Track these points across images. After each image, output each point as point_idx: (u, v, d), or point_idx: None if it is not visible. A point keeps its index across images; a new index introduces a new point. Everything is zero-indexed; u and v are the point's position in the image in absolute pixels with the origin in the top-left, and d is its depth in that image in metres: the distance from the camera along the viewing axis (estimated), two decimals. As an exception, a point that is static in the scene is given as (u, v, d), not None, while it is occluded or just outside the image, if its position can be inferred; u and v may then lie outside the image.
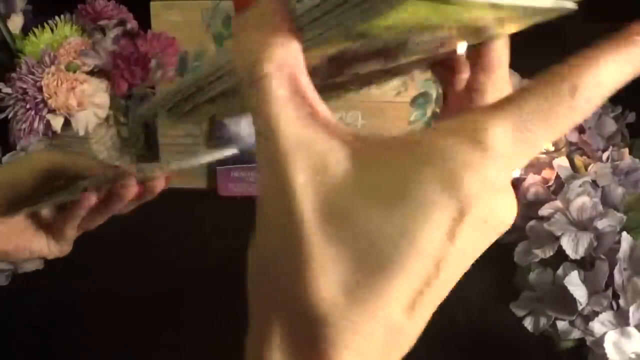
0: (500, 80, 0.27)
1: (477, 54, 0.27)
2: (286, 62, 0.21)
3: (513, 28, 0.26)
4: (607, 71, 0.21)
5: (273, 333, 0.22)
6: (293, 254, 0.21)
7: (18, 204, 0.47)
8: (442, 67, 0.28)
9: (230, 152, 0.46)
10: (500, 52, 0.27)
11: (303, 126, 0.21)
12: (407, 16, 0.20)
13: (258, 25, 0.21)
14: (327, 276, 0.21)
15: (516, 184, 0.70)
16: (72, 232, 0.51)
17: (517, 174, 0.74)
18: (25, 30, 0.80)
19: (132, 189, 0.48)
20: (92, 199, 0.48)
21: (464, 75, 0.28)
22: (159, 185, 0.49)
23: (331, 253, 0.21)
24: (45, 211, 0.51)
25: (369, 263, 0.21)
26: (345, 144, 0.21)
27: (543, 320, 0.59)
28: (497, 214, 0.22)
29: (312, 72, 0.22)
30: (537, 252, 0.61)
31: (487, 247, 0.23)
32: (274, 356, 0.22)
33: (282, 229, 0.21)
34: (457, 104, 0.27)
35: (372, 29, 0.21)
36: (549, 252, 0.60)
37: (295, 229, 0.21)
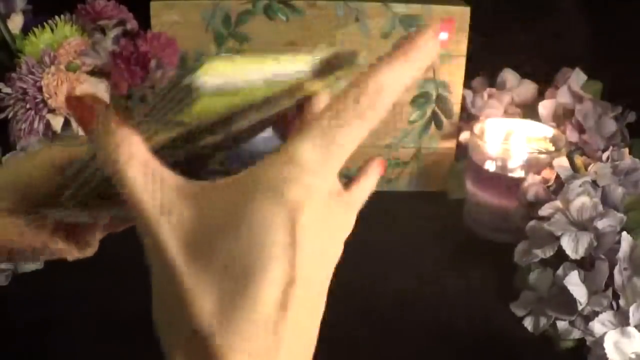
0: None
1: (302, 109, 0.33)
2: (133, 154, 0.27)
3: (318, 86, 0.32)
4: (385, 78, 0.26)
5: (178, 356, 0.26)
6: (173, 288, 0.26)
7: (31, 206, 0.44)
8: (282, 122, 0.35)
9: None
10: (320, 106, 0.33)
11: (158, 195, 0.27)
12: (211, 105, 0.27)
13: (106, 135, 0.27)
14: (204, 298, 0.25)
15: (516, 183, 0.70)
16: (94, 238, 0.48)
17: (518, 174, 0.74)
18: (25, 30, 0.79)
19: None
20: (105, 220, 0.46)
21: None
22: None
23: (202, 279, 0.26)
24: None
25: (235, 278, 0.25)
26: (188, 197, 0.27)
27: (543, 320, 0.59)
28: (330, 217, 0.27)
29: (171, 147, 0.30)
30: (537, 252, 0.61)
31: (337, 248, 0.28)
32: None
33: (162, 272, 0.27)
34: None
35: (188, 117, 0.27)
36: (549, 252, 0.60)
37: (169, 269, 0.26)
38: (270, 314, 0.25)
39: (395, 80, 0.27)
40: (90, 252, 0.49)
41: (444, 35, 0.28)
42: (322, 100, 0.33)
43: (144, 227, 0.27)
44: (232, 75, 0.27)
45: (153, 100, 0.28)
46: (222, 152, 0.35)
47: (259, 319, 0.25)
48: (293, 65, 0.30)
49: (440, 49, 0.28)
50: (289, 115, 0.35)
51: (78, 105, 0.28)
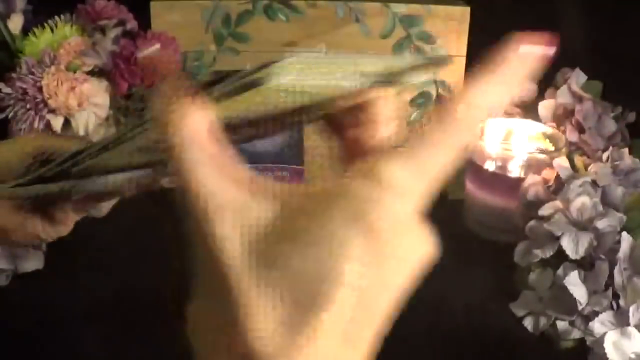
0: (384, 131, 0.31)
1: (360, 110, 0.31)
2: (197, 131, 0.24)
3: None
4: (476, 99, 0.25)
5: None
6: (229, 302, 0.23)
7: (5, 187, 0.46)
8: (333, 123, 0.31)
9: None
10: (380, 109, 0.31)
11: (222, 187, 0.24)
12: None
13: (169, 102, 0.24)
14: (263, 318, 0.23)
15: (516, 183, 0.70)
16: (68, 218, 0.49)
17: (517, 173, 0.74)
18: (25, 30, 0.79)
19: None
20: None
21: (352, 129, 0.31)
22: None
23: (263, 296, 0.23)
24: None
25: (300, 301, 0.23)
26: (264, 198, 0.24)
27: (543, 320, 0.59)
28: (404, 247, 0.24)
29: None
30: (537, 252, 0.61)
31: (406, 277, 0.25)
32: None
33: (217, 281, 0.23)
34: (353, 154, 0.30)
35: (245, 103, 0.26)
36: (549, 252, 0.60)
37: (226, 273, 0.23)
38: (336, 349, 0.23)
39: (486, 101, 0.25)
40: (65, 230, 0.50)
41: (546, 50, 0.26)
42: (382, 108, 0.31)
43: (200, 223, 0.24)
44: (302, 75, 0.27)
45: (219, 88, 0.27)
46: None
47: (323, 352, 0.23)
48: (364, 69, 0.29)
49: (541, 62, 0.26)
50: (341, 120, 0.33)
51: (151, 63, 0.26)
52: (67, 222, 0.49)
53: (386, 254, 0.24)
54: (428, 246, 0.26)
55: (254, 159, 0.81)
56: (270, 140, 0.81)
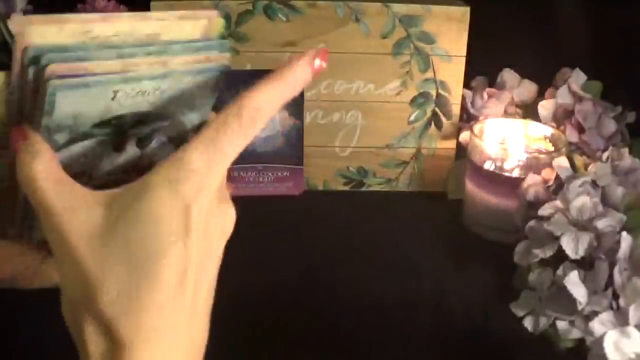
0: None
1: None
2: (44, 168, 0.31)
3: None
4: (263, 98, 0.32)
5: (89, 343, 0.30)
6: (77, 279, 0.30)
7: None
8: None
9: None
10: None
11: (66, 197, 0.31)
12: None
13: (25, 153, 0.32)
14: (106, 286, 0.30)
15: (516, 183, 0.70)
16: (49, 267, 0.50)
17: (517, 173, 0.74)
18: (25, 31, 0.79)
19: None
20: None
21: None
22: None
23: (107, 265, 0.30)
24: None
25: (138, 263, 0.30)
26: (95, 203, 0.31)
27: (543, 320, 0.59)
28: (216, 208, 0.33)
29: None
30: (537, 252, 0.61)
31: (219, 247, 0.34)
32: None
33: (67, 265, 0.31)
34: None
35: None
36: (549, 252, 0.60)
37: (74, 260, 0.30)
38: (171, 293, 0.30)
39: (271, 99, 0.32)
40: (55, 281, 0.51)
41: (317, 63, 0.33)
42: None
43: (52, 229, 0.31)
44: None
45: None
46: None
47: (161, 298, 0.30)
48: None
49: (311, 75, 0.33)
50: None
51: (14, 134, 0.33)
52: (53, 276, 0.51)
53: (198, 215, 0.31)
54: (232, 220, 0.35)
55: (253, 159, 0.81)
56: (270, 140, 0.81)
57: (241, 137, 0.32)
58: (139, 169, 0.38)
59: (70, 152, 0.35)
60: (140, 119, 0.36)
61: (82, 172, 0.37)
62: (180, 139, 0.38)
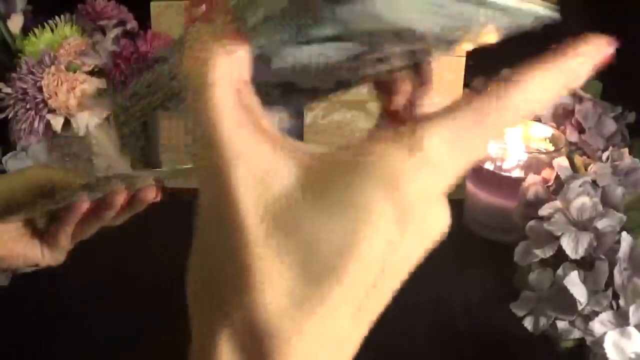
0: (434, 97, 0.28)
1: (416, 72, 0.28)
2: (231, 73, 0.22)
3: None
4: (534, 88, 0.23)
5: (219, 345, 0.21)
6: (238, 265, 0.21)
7: (9, 214, 0.48)
8: (382, 87, 0.28)
9: None
10: (431, 74, 0.28)
11: (246, 137, 0.21)
12: None
13: (208, 36, 0.22)
14: (274, 287, 0.21)
15: (516, 183, 0.70)
16: (65, 241, 0.51)
17: (518, 173, 0.74)
18: (25, 30, 0.80)
19: (120, 196, 0.48)
20: (84, 205, 0.48)
21: (401, 95, 0.28)
22: (149, 195, 0.50)
23: (277, 263, 0.21)
24: (40, 220, 0.52)
25: (315, 272, 0.21)
26: (289, 158, 0.22)
27: (543, 320, 0.59)
28: (429, 222, 0.23)
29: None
30: (537, 252, 0.61)
31: (422, 253, 0.24)
32: None
33: (225, 239, 0.21)
34: (396, 121, 0.28)
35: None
36: (549, 252, 0.60)
37: (239, 239, 0.21)
38: (345, 324, 0.22)
39: (546, 90, 0.24)
40: (62, 257, 0.52)
41: (606, 52, 0.26)
42: (431, 74, 0.29)
43: (216, 170, 0.21)
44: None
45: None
46: None
47: (332, 327, 0.22)
48: None
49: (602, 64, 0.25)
50: (395, 80, 0.29)
51: None
52: (64, 249, 0.52)
53: (411, 229, 0.22)
54: (447, 220, 0.24)
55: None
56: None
57: (496, 133, 0.23)
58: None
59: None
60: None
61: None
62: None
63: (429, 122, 0.22)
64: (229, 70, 0.21)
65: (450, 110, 0.23)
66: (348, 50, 0.24)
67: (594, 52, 0.25)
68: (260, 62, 0.23)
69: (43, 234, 0.52)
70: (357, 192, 0.21)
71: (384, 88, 0.28)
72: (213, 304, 0.22)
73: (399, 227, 0.22)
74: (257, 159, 0.21)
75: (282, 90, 0.28)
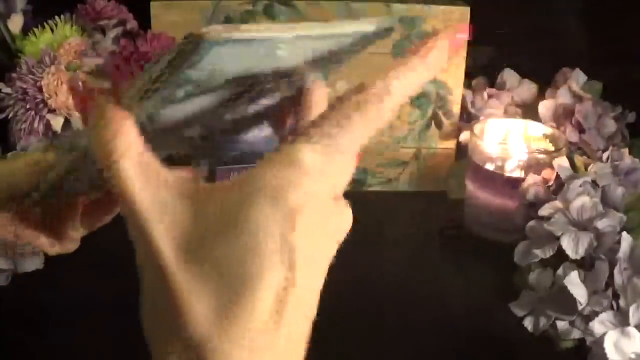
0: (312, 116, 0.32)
1: (300, 98, 0.32)
2: (129, 148, 0.26)
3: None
4: (394, 84, 0.26)
5: None
6: (166, 293, 0.25)
7: (13, 200, 0.47)
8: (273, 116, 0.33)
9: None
10: (319, 94, 0.32)
11: (153, 191, 0.26)
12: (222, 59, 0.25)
13: (103, 125, 0.26)
14: (198, 305, 0.25)
15: (516, 183, 0.70)
16: (74, 231, 0.51)
17: (518, 173, 0.74)
18: (25, 30, 0.79)
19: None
20: (81, 202, 0.48)
21: (288, 119, 0.34)
22: None
23: (196, 285, 0.25)
24: (46, 208, 0.51)
25: (230, 285, 0.25)
26: (184, 197, 0.26)
27: (543, 320, 0.59)
28: (328, 222, 0.26)
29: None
30: (537, 252, 0.61)
31: (332, 251, 0.28)
32: None
33: (154, 275, 0.26)
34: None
35: (198, 72, 0.25)
36: (549, 252, 0.60)
37: (162, 271, 0.25)
38: (267, 321, 0.25)
39: (404, 85, 0.26)
40: (72, 246, 0.51)
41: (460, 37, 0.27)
42: (318, 96, 0.32)
43: (136, 226, 0.26)
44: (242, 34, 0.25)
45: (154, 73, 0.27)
46: (216, 149, 0.35)
47: (255, 326, 0.25)
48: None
49: (458, 51, 0.28)
50: (284, 110, 0.34)
51: (77, 91, 0.28)
52: (74, 238, 0.50)
53: (309, 233, 0.25)
54: (348, 219, 0.28)
55: (253, 159, 0.81)
56: (270, 140, 0.81)
57: (365, 131, 0.26)
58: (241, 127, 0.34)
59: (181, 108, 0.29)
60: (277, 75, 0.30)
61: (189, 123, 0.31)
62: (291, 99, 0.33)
63: (301, 135, 0.26)
64: (126, 148, 0.26)
65: (318, 118, 0.26)
66: (224, 94, 0.29)
67: (444, 46, 0.27)
68: (151, 123, 0.28)
69: (50, 221, 0.50)
70: (250, 209, 0.25)
71: (275, 117, 0.33)
72: (161, 330, 0.26)
73: (292, 231, 0.25)
74: (162, 206, 0.26)
75: (191, 145, 0.33)
